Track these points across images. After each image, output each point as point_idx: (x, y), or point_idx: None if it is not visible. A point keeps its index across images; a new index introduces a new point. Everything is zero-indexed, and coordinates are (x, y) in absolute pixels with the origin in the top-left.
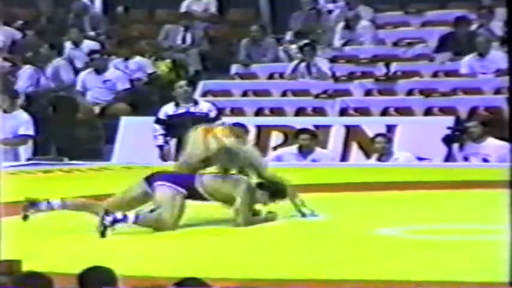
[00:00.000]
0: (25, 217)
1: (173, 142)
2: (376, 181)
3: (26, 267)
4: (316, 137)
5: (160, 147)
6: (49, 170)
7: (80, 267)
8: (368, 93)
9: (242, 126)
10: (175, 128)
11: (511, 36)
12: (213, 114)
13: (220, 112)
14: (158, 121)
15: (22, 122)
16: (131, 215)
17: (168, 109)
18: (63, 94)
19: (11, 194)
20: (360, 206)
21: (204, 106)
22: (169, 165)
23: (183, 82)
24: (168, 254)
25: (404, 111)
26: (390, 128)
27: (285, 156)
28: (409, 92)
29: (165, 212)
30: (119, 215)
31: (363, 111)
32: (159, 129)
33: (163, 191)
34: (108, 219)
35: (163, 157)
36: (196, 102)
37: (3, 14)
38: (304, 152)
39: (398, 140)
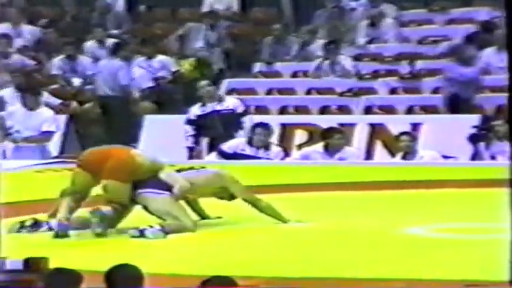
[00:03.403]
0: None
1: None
2: (401, 179)
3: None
4: (345, 135)
5: (190, 148)
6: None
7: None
8: (393, 91)
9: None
10: (204, 127)
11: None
12: (239, 110)
13: (248, 107)
14: (189, 122)
15: (45, 118)
16: (157, 226)
17: (195, 109)
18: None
19: (38, 192)
20: (386, 205)
21: (230, 102)
22: (196, 164)
23: (204, 82)
24: (194, 252)
25: (429, 109)
26: (415, 127)
27: (311, 154)
28: (435, 90)
29: (177, 220)
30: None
31: (388, 110)
32: (190, 130)
33: (150, 199)
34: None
35: (193, 158)
36: (220, 100)
37: (27, 13)
38: (331, 150)
39: (424, 138)
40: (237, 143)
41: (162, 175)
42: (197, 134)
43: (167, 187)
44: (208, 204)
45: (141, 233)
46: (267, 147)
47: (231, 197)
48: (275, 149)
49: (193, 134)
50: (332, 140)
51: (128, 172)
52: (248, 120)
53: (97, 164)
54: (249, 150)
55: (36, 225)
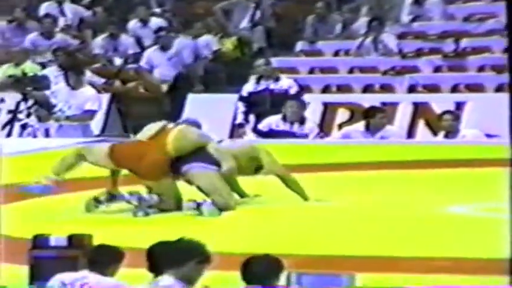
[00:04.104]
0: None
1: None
2: (444, 159)
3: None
4: (387, 115)
5: (240, 125)
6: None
7: None
8: (437, 69)
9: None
10: (255, 105)
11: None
12: (293, 90)
13: (302, 88)
14: (241, 98)
15: (88, 97)
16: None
17: (249, 86)
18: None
19: (80, 170)
20: (428, 184)
21: (285, 83)
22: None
23: (261, 61)
24: (234, 230)
25: (475, 88)
26: (459, 105)
27: (352, 133)
28: (481, 68)
29: (222, 198)
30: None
31: (432, 88)
32: (242, 106)
33: (199, 174)
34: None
35: (239, 135)
36: (277, 79)
37: None
38: (372, 129)
39: (468, 116)
40: (271, 120)
41: (211, 149)
42: (248, 111)
43: (213, 161)
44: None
45: (198, 207)
46: (301, 122)
47: (255, 171)
48: (309, 124)
49: (244, 111)
50: (374, 119)
51: (162, 171)
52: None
53: (129, 162)
54: (283, 126)
55: (112, 198)
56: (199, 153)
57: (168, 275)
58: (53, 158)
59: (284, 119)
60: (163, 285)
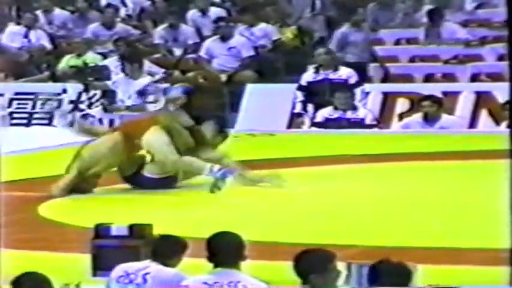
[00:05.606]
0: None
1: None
2: (505, 148)
3: None
4: (441, 104)
5: (298, 114)
6: None
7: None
8: (501, 58)
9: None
10: (314, 94)
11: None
12: (352, 80)
13: (362, 79)
14: (300, 88)
15: None
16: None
17: (308, 76)
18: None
19: None
20: (491, 174)
21: (344, 72)
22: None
23: (321, 50)
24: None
25: None
26: None
27: (411, 124)
28: None
29: (163, 154)
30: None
31: (496, 77)
32: (300, 96)
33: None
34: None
35: (297, 125)
36: (336, 69)
37: None
38: (430, 119)
39: None
40: (324, 111)
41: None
42: (306, 100)
43: None
44: None
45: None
46: (354, 108)
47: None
48: (363, 111)
49: (302, 100)
50: (425, 108)
51: None
52: (360, 92)
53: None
54: (336, 114)
55: None
56: None
57: None
58: None
59: (336, 108)
60: None
